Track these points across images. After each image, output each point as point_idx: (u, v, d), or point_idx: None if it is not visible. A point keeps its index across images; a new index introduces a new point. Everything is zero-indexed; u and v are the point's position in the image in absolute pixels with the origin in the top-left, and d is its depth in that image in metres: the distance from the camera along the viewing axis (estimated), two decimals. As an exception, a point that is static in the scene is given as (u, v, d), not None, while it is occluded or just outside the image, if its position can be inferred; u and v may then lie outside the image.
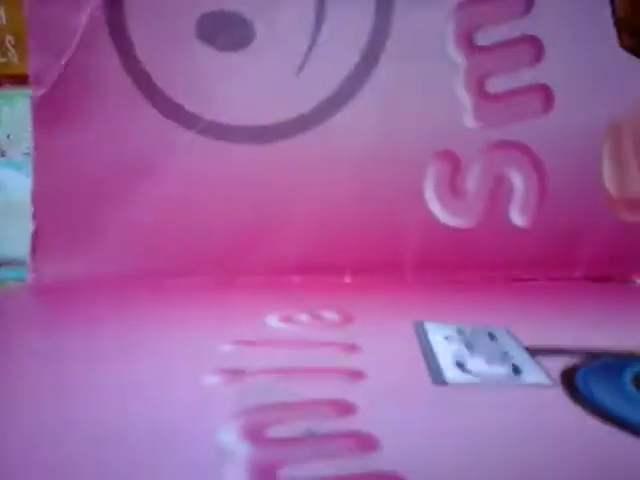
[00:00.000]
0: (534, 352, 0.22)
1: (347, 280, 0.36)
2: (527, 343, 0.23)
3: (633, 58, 0.33)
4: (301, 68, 0.35)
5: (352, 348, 0.23)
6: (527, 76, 0.34)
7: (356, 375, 0.20)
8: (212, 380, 0.20)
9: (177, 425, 0.17)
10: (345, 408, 0.17)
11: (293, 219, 0.35)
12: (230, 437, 0.16)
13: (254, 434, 0.16)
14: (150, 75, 0.35)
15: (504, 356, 0.22)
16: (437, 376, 0.20)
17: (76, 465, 0.15)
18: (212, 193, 0.35)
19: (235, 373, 0.20)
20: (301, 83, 0.35)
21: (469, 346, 0.23)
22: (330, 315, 0.28)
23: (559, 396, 0.18)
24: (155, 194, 0.35)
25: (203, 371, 0.20)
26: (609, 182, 0.34)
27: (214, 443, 0.15)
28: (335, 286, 0.34)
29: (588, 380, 0.20)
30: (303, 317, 0.27)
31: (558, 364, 0.21)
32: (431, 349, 0.23)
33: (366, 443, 0.15)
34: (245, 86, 0.35)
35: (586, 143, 0.35)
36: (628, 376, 0.20)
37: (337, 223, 0.34)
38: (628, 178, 0.34)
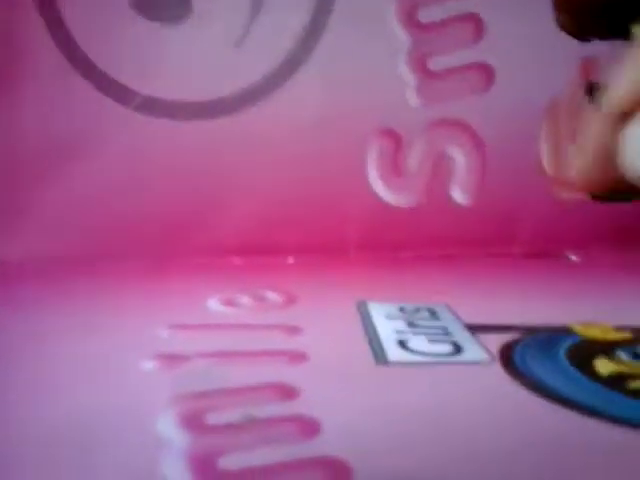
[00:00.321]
0: (474, 329, 0.23)
1: (290, 260, 0.35)
2: (467, 319, 0.24)
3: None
4: (241, 41, 0.34)
5: (295, 330, 0.22)
6: (469, 54, 0.34)
7: (298, 357, 0.20)
8: (149, 366, 0.19)
9: (112, 413, 0.16)
10: (287, 391, 0.17)
11: (233, 198, 0.34)
12: (168, 425, 0.15)
13: (193, 421, 0.15)
14: (83, 49, 0.34)
15: (445, 334, 0.22)
16: (379, 356, 0.20)
17: (6, 454, 0.14)
18: (150, 172, 0.34)
19: (173, 358, 0.19)
20: (241, 57, 0.34)
21: (411, 324, 0.23)
22: (273, 296, 0.27)
23: (497, 372, 0.19)
24: (90, 174, 0.34)
25: (140, 357, 0.20)
26: (546, 161, 0.35)
27: (151, 431, 0.15)
28: (278, 267, 0.34)
29: (525, 355, 0.20)
30: (245, 299, 0.27)
31: (497, 340, 0.21)
32: (374, 329, 0.23)
33: (308, 427, 0.15)
34: (184, 60, 0.34)
35: (525, 122, 0.35)
36: (562, 350, 0.21)
37: (279, 202, 0.34)
38: (563, 158, 0.35)
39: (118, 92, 0.33)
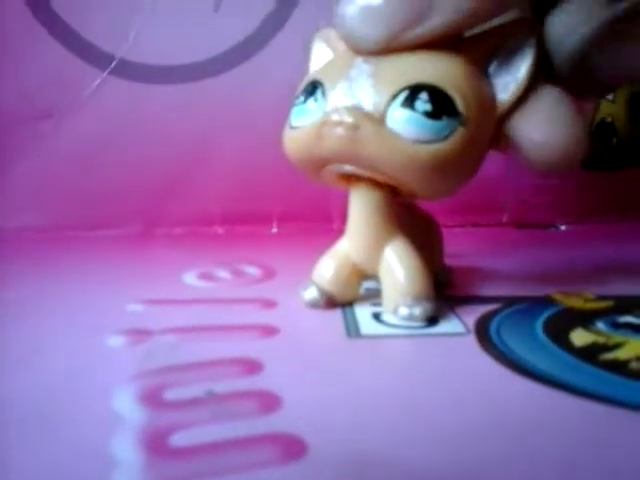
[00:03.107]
0: (452, 300, 0.22)
1: (274, 230, 0.35)
2: (447, 291, 0.23)
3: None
4: (219, 5, 0.33)
5: (269, 304, 0.22)
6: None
7: (268, 331, 0.19)
8: (116, 341, 0.19)
9: (72, 388, 0.16)
10: (251, 366, 0.17)
11: (215, 165, 0.34)
12: (125, 401, 0.15)
13: (150, 397, 0.15)
14: (56, 11, 0.33)
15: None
16: (352, 329, 0.20)
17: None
18: (127, 138, 0.33)
19: (141, 334, 0.19)
20: (219, 20, 0.33)
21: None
22: (251, 270, 0.27)
23: (470, 345, 0.18)
24: (65, 141, 0.33)
25: (109, 332, 0.19)
26: None
27: (107, 408, 0.14)
28: (261, 237, 0.34)
29: (501, 327, 0.20)
30: (223, 273, 0.26)
31: (475, 312, 0.21)
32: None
33: (268, 403, 0.15)
34: (160, 23, 0.33)
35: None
36: (540, 321, 0.20)
37: (263, 169, 0.33)
38: None
39: (93, 55, 0.33)
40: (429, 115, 0.17)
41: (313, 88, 0.19)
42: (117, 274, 0.26)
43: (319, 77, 0.19)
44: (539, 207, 0.36)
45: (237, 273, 0.26)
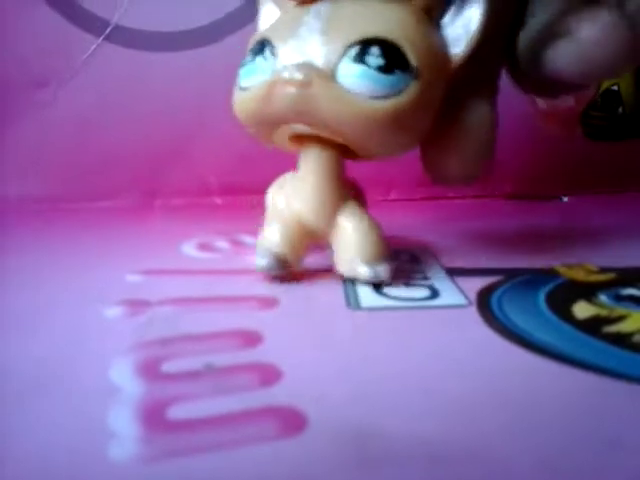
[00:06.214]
0: (455, 272, 0.22)
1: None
2: (449, 263, 0.23)
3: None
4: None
5: (268, 275, 0.22)
6: None
7: (268, 303, 0.19)
8: (113, 311, 0.18)
9: (69, 358, 0.15)
10: (250, 338, 0.16)
11: (213, 134, 0.33)
12: (122, 373, 0.15)
13: (148, 369, 0.15)
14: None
15: (424, 278, 0.22)
16: (352, 301, 0.19)
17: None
18: (124, 107, 0.33)
19: (138, 305, 0.19)
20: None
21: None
22: (250, 241, 0.27)
23: (471, 317, 0.18)
24: (62, 109, 0.33)
25: (106, 302, 0.19)
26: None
27: (104, 379, 0.14)
28: (260, 207, 0.33)
29: (503, 300, 0.19)
30: (222, 244, 0.26)
31: (477, 284, 0.21)
32: (350, 272, 0.22)
33: (267, 376, 0.14)
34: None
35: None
36: (543, 293, 0.20)
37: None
38: None
39: (87, 21, 0.32)
40: (381, 69, 0.17)
41: (262, 47, 0.19)
42: (115, 245, 0.26)
43: (267, 35, 0.19)
44: (540, 177, 0.36)
45: (236, 243, 0.26)
